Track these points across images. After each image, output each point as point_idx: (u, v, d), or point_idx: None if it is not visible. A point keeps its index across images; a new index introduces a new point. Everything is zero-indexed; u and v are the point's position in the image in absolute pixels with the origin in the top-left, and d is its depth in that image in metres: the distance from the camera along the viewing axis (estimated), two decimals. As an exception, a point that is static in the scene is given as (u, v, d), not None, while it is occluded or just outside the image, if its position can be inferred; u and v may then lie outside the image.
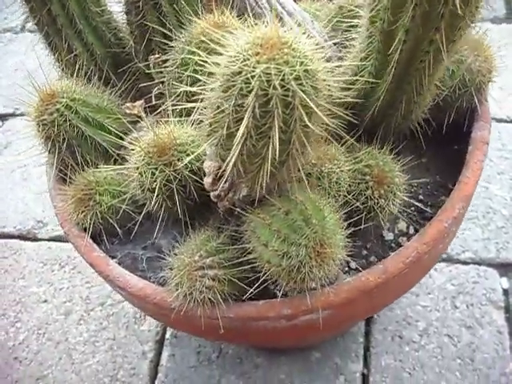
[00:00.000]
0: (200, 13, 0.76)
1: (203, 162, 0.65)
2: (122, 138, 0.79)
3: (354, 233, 0.64)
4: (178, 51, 0.73)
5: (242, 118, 0.50)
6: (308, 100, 0.49)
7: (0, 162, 1.49)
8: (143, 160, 0.65)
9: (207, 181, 0.60)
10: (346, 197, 0.66)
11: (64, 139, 0.73)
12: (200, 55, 0.69)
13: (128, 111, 0.78)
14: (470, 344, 1.02)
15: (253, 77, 0.48)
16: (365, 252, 0.74)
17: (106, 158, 0.78)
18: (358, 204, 0.67)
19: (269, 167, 0.53)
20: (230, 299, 0.63)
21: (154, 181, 0.64)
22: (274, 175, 0.56)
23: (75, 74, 0.80)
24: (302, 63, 0.49)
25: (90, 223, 0.71)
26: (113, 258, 0.71)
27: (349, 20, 0.78)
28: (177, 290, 0.62)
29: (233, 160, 0.52)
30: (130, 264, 0.71)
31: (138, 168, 0.65)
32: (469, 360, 1.00)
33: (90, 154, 0.76)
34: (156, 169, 0.64)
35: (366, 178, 0.67)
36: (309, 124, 0.51)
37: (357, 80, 0.63)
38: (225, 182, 0.59)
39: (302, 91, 0.48)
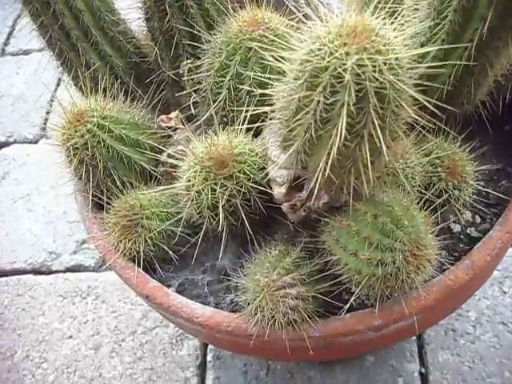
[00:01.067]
0: (229, 12, 0.70)
1: (266, 171, 0.60)
2: (157, 154, 0.73)
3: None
4: (214, 54, 0.67)
5: (332, 118, 0.45)
6: (405, 90, 0.44)
7: (0, 194, 1.40)
8: (199, 176, 0.58)
9: (280, 191, 0.55)
10: (421, 191, 0.61)
11: (98, 162, 0.67)
12: (246, 56, 0.63)
13: (163, 124, 0.72)
14: (528, 329, 0.98)
15: (345, 70, 0.42)
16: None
17: (144, 177, 0.71)
18: (431, 197, 0.62)
19: (361, 169, 0.48)
20: (314, 317, 0.57)
21: (215, 197, 0.58)
22: (361, 177, 0.50)
23: (96, 91, 0.74)
24: (392, 51, 0.43)
25: (139, 251, 0.64)
26: (170, 286, 0.65)
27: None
28: (255, 314, 0.57)
29: (324, 166, 0.46)
30: (191, 291, 0.65)
31: (193, 185, 0.59)
32: (529, 346, 0.96)
33: (128, 176, 0.69)
34: (216, 184, 0.58)
35: (438, 169, 0.62)
36: (401, 117, 0.46)
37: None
38: (303, 190, 0.54)
39: (398, 81, 0.43)
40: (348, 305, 0.56)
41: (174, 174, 0.71)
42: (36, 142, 1.50)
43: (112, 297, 1.17)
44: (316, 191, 0.54)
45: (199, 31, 0.71)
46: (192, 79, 0.72)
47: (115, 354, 1.09)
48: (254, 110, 0.62)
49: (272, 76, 0.64)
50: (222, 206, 0.58)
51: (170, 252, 0.65)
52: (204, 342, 1.07)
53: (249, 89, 0.65)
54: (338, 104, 0.43)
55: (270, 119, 0.67)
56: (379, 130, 0.44)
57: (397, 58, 0.44)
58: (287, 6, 0.70)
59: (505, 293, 1.04)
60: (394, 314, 0.57)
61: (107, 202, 0.69)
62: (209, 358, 1.05)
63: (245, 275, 0.60)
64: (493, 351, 0.97)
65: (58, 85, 1.59)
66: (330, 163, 0.46)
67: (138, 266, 0.65)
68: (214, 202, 0.58)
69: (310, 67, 0.44)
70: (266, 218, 0.62)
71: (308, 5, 0.72)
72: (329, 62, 0.43)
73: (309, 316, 0.57)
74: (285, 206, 0.55)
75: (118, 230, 0.65)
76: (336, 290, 0.58)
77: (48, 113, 1.56)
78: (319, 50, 0.44)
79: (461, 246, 0.69)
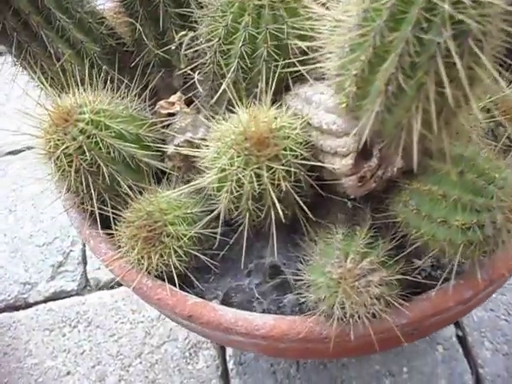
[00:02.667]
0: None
1: (311, 143, 0.50)
2: (161, 150, 0.62)
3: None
4: (215, 19, 0.57)
5: (422, 62, 0.36)
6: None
7: None
8: (237, 161, 0.48)
9: (345, 163, 0.46)
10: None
11: (99, 167, 0.55)
12: (257, 15, 0.53)
13: (164, 111, 0.61)
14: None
15: None
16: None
17: (152, 177, 0.60)
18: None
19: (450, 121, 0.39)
20: (399, 302, 0.49)
21: (261, 183, 0.48)
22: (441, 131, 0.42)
23: (69, 85, 0.61)
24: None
25: (169, 265, 0.54)
26: (214, 299, 0.55)
27: None
28: (333, 312, 0.48)
29: (414, 123, 0.37)
30: (240, 299, 0.55)
31: (230, 175, 0.49)
32: (561, 288, 0.93)
33: (135, 178, 0.58)
34: (261, 168, 0.48)
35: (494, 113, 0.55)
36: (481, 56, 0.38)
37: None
38: (372, 158, 0.45)
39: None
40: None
41: (186, 166, 0.60)
42: (-21, 163, 1.32)
43: (106, 319, 1.04)
44: (389, 156, 0.46)
45: (188, -2, 0.60)
46: (186, 55, 0.61)
47: (124, 382, 0.97)
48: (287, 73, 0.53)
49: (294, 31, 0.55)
50: (269, 192, 0.48)
51: (205, 259, 0.55)
52: (221, 349, 0.97)
53: (264, 53, 0.55)
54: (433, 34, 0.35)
55: (296, 83, 0.58)
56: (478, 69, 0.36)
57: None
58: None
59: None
60: (483, 281, 0.50)
61: (114, 213, 0.57)
62: (230, 365, 0.96)
63: (308, 269, 0.51)
64: (524, 299, 0.94)
65: (-8, 96, 1.41)
66: (421, 109, 0.38)
67: (170, 282, 0.54)
68: (261, 191, 0.48)
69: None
70: (317, 198, 0.52)
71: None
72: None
73: (394, 303, 0.49)
74: (351, 180, 0.46)
75: (139, 244, 0.54)
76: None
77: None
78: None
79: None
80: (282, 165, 0.48)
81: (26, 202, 1.22)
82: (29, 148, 1.31)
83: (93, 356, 1.00)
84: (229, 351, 0.97)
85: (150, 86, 0.66)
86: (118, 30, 0.66)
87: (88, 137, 0.54)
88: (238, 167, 0.48)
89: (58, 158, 0.54)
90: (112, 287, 1.07)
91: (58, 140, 0.54)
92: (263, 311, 0.53)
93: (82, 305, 1.07)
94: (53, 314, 1.06)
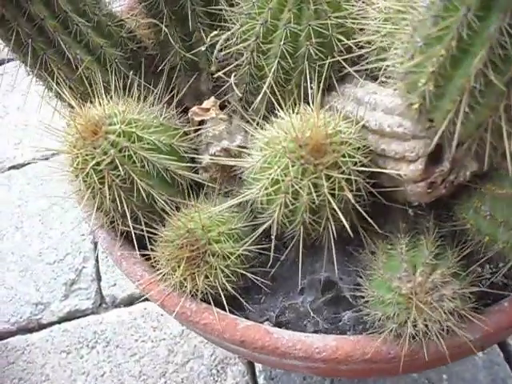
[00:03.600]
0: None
1: (368, 150, 0.46)
2: (194, 161, 0.57)
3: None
4: (250, 17, 0.52)
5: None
6: None
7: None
8: (292, 171, 0.44)
9: (415, 168, 0.41)
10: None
11: (133, 182, 0.50)
12: (298, 10, 0.49)
13: (197, 118, 0.56)
14: None
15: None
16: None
17: (187, 193, 0.55)
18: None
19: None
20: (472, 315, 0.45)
21: (319, 195, 0.44)
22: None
23: (88, 94, 0.57)
24: None
25: (217, 286, 0.49)
26: (265, 321, 0.50)
27: None
28: (403, 331, 0.43)
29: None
30: (295, 320, 0.50)
31: (285, 186, 0.44)
32: None
33: (170, 192, 0.53)
34: (319, 177, 0.43)
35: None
36: None
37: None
38: (442, 162, 0.41)
39: None
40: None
41: (224, 177, 0.56)
42: (-18, 179, 1.26)
43: (126, 338, 0.99)
44: (462, 159, 0.42)
45: (217, -5, 0.56)
46: (217, 58, 0.56)
47: (150, 404, 0.92)
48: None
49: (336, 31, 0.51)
50: (330, 204, 0.43)
51: (255, 277, 0.50)
52: (249, 364, 0.93)
53: (308, 50, 0.51)
54: None
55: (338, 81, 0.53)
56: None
57: None
58: None
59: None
60: None
61: (149, 232, 0.53)
62: (260, 380, 0.91)
63: (371, 284, 0.46)
64: None
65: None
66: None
67: (216, 305, 0.50)
68: (320, 202, 0.44)
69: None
70: (375, 206, 0.48)
71: None
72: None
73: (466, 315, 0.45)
74: (419, 187, 0.42)
75: (181, 266, 0.49)
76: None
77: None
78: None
79: None
80: (342, 173, 0.44)
81: (33, 217, 1.17)
82: (31, 162, 1.27)
83: (114, 378, 0.95)
84: (258, 366, 0.93)
85: (176, 91, 0.61)
86: (139, 32, 0.61)
87: (120, 150, 0.49)
88: (295, 177, 0.44)
89: (87, 175, 0.49)
90: (130, 304, 1.02)
91: (87, 155, 0.49)
92: (319, 331, 0.49)
93: (99, 324, 1.02)
94: (69, 335, 1.01)
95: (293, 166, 0.44)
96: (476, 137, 0.38)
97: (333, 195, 0.44)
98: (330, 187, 0.43)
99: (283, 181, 0.44)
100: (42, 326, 1.03)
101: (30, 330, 1.03)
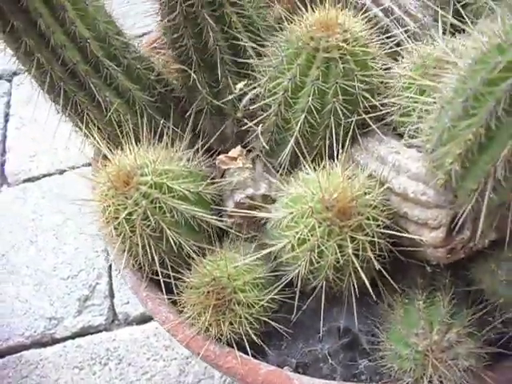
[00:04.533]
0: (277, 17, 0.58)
1: (391, 211, 0.48)
2: (218, 204, 0.59)
3: None
4: (278, 70, 0.54)
5: None
6: None
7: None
8: (318, 231, 0.46)
9: (436, 236, 0.43)
10: None
11: (162, 232, 0.52)
12: (326, 68, 0.51)
13: (224, 166, 0.58)
14: None
15: None
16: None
17: (212, 239, 0.57)
18: None
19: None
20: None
21: (343, 255, 0.46)
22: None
23: (117, 136, 0.59)
24: None
25: (241, 333, 0.51)
26: (285, 366, 0.52)
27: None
28: (422, 387, 0.45)
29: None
30: (314, 366, 0.52)
31: (310, 245, 0.46)
32: None
33: (197, 239, 0.55)
34: (343, 239, 0.45)
35: None
36: None
37: None
38: (463, 230, 0.43)
39: None
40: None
41: (247, 223, 0.58)
42: (-4, 192, 1.28)
43: (138, 356, 1.01)
44: (482, 229, 0.43)
45: (245, 44, 0.57)
46: (245, 106, 0.58)
47: (161, 423, 0.94)
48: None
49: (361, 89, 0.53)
50: (353, 263, 0.45)
51: (277, 326, 0.52)
52: None
53: (334, 107, 0.52)
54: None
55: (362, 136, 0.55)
56: None
57: None
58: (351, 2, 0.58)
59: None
60: None
61: (175, 278, 0.55)
62: (269, 403, 0.93)
63: (388, 338, 0.48)
64: None
65: (6, 121, 1.38)
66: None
67: (239, 348, 0.52)
68: (344, 261, 0.46)
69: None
70: (395, 262, 0.50)
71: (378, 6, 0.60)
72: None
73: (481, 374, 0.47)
74: (439, 252, 0.44)
75: (208, 312, 0.51)
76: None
77: (2, 154, 1.34)
78: None
79: None
80: (366, 235, 0.46)
81: (47, 232, 1.19)
82: (46, 175, 1.29)
83: (126, 395, 0.97)
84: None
85: (202, 134, 0.63)
86: (166, 75, 0.63)
87: (151, 201, 0.51)
88: (321, 238, 0.46)
89: (119, 224, 0.51)
90: (143, 322, 1.04)
91: (119, 205, 0.51)
92: (335, 377, 0.51)
93: (112, 341, 1.04)
94: (82, 351, 1.03)
95: (319, 227, 0.46)
96: (497, 213, 0.40)
97: (356, 255, 0.46)
98: (354, 248, 0.45)
99: (309, 240, 0.46)
100: (55, 341, 1.05)
101: (44, 345, 1.05)
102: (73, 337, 1.06)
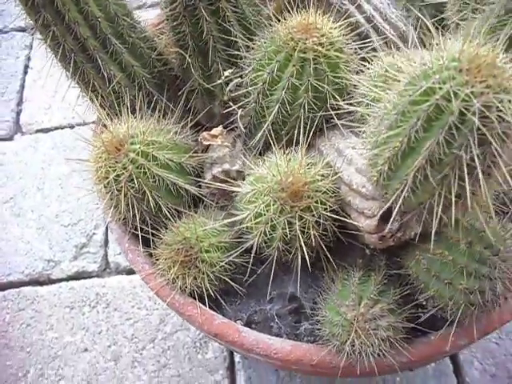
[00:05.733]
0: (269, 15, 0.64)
1: (339, 197, 0.56)
2: (198, 175, 0.67)
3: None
4: (261, 64, 0.61)
5: (448, 157, 0.41)
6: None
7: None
8: (273, 208, 0.54)
9: (370, 224, 0.51)
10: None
11: (145, 193, 0.60)
12: (301, 67, 0.58)
13: (205, 142, 0.66)
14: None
15: (472, 113, 0.39)
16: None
17: (190, 203, 0.66)
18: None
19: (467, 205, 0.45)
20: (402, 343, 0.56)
21: (292, 231, 0.54)
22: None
23: (119, 108, 0.66)
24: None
25: (202, 288, 0.60)
26: (238, 320, 0.61)
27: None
28: (345, 348, 0.54)
29: (432, 204, 0.43)
30: (262, 322, 0.61)
31: (265, 219, 0.55)
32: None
33: (175, 203, 0.64)
34: (293, 217, 0.54)
35: None
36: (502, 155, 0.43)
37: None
38: (393, 222, 0.51)
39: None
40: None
41: (221, 193, 0.66)
42: (11, 139, 1.37)
43: (124, 303, 1.12)
44: (409, 222, 0.51)
45: (236, 36, 0.65)
46: (231, 91, 0.66)
47: (137, 364, 1.05)
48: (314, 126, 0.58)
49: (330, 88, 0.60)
50: (300, 239, 0.54)
51: (235, 285, 0.61)
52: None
53: (304, 102, 0.60)
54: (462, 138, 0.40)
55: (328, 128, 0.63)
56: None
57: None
58: (335, 7, 0.64)
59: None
60: (478, 332, 0.56)
61: (153, 234, 0.64)
62: (237, 358, 1.03)
63: (324, 306, 0.57)
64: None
65: (25, 72, 1.46)
66: (443, 196, 0.43)
67: (200, 301, 0.61)
68: (291, 236, 0.54)
69: (429, 103, 0.40)
70: (338, 243, 0.58)
71: (352, 2, 0.66)
72: (449, 93, 0.39)
73: (398, 343, 0.55)
74: (373, 237, 0.52)
75: (176, 266, 0.60)
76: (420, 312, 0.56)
77: (19, 104, 1.43)
78: (440, 88, 0.40)
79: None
80: (313, 215, 0.54)
81: (54, 181, 1.28)
82: (58, 128, 1.37)
83: (109, 336, 1.08)
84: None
85: (192, 110, 0.71)
86: (167, 56, 0.71)
87: (137, 167, 0.59)
88: (274, 214, 0.54)
89: (108, 183, 0.60)
90: (131, 273, 1.14)
91: (110, 167, 0.59)
92: (280, 334, 0.60)
93: (102, 287, 1.14)
94: (74, 293, 1.14)
95: (273, 205, 0.54)
96: (418, 210, 0.48)
97: (302, 232, 0.54)
98: (300, 225, 0.53)
99: (265, 215, 0.55)
100: (51, 281, 1.16)
101: (41, 283, 1.16)
102: (67, 279, 1.16)
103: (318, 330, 0.58)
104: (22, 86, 1.46)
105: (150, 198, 0.60)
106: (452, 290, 0.51)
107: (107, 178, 0.59)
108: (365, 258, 0.59)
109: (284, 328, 0.61)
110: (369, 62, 0.64)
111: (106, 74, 0.67)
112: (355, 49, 0.64)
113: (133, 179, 0.59)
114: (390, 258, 0.58)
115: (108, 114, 0.65)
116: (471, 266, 0.50)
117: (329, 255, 0.58)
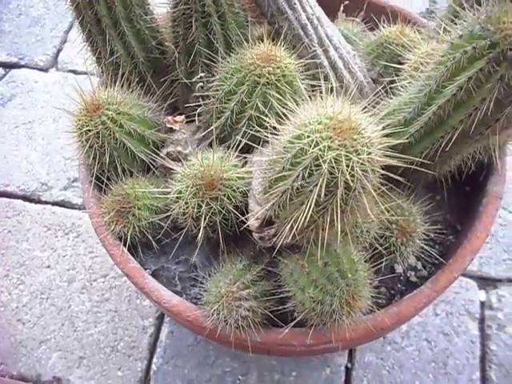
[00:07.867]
0: (249, 38, 0.77)
1: (247, 198, 0.69)
2: (157, 148, 0.82)
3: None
4: (225, 76, 0.75)
5: (304, 192, 0.54)
6: (368, 186, 0.53)
7: (4, 115, 1.46)
8: (189, 190, 0.68)
9: (254, 224, 0.65)
10: (372, 242, 0.72)
11: (106, 150, 0.75)
12: (252, 88, 0.71)
13: (168, 125, 0.80)
14: (444, 350, 1.12)
15: (324, 161, 0.51)
16: (375, 282, 0.81)
17: (143, 168, 0.80)
18: (380, 247, 0.73)
19: (325, 232, 0.58)
20: (259, 327, 0.69)
21: (199, 212, 0.68)
22: (320, 233, 0.60)
23: (115, 77, 0.81)
24: (368, 152, 0.52)
25: (127, 236, 0.75)
26: (147, 269, 0.76)
27: (389, 61, 0.82)
28: (213, 314, 0.68)
29: (292, 224, 0.56)
30: (164, 277, 0.76)
31: (182, 197, 0.69)
32: (442, 364, 1.11)
33: (129, 165, 0.78)
34: (202, 201, 0.68)
35: (392, 226, 0.73)
36: (363, 200, 0.55)
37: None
38: (273, 228, 0.64)
39: (365, 178, 0.53)
40: (286, 323, 0.67)
41: (167, 168, 0.80)
42: (46, 70, 1.55)
43: (92, 238, 1.28)
44: (283, 234, 0.64)
45: (218, 47, 0.78)
46: (202, 87, 0.80)
47: (85, 291, 1.21)
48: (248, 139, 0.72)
49: (272, 112, 0.73)
50: (204, 219, 0.68)
51: (153, 241, 0.76)
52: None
53: (249, 116, 0.73)
54: (310, 184, 0.53)
55: (262, 147, 0.76)
56: (339, 208, 0.54)
57: (370, 159, 0.53)
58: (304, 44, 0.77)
59: (437, 314, 1.18)
60: (323, 339, 0.69)
61: (106, 184, 0.78)
62: (168, 312, 1.18)
63: (211, 278, 0.71)
64: (411, 362, 1.12)
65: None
66: (294, 223, 0.56)
67: (124, 245, 0.76)
68: (198, 215, 0.68)
69: (296, 147, 0.53)
70: (238, 233, 0.72)
71: (320, 46, 0.79)
72: (313, 151, 0.52)
73: (255, 325, 0.69)
74: (255, 235, 0.66)
75: (112, 213, 0.75)
76: (283, 309, 0.70)
77: (63, 42, 1.60)
78: (308, 137, 0.53)
79: (399, 286, 0.81)
80: (220, 206, 0.68)
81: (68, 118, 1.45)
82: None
83: (71, 262, 1.24)
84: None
85: (172, 96, 0.85)
86: (165, 47, 0.85)
87: (106, 128, 0.74)
88: (189, 194, 0.68)
89: (81, 134, 0.75)
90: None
91: (85, 122, 0.74)
92: (176, 290, 0.74)
93: (79, 219, 1.30)
94: (55, 217, 1.30)
95: (191, 188, 0.68)
96: (286, 224, 0.61)
97: (207, 215, 0.68)
98: (206, 210, 0.67)
99: (183, 194, 0.69)
100: (39, 202, 1.33)
101: (30, 201, 1.33)
102: (53, 204, 1.33)
103: (201, 295, 0.72)
104: (70, 27, 1.63)
105: (110, 155, 0.75)
106: (303, 295, 0.64)
107: (81, 129, 0.74)
108: (254, 252, 0.72)
109: (180, 287, 0.75)
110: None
111: (111, 48, 0.82)
112: (311, 85, 0.77)
113: (99, 136, 0.74)
114: (272, 257, 0.71)
115: (107, 78, 0.80)
116: (320, 280, 0.63)
117: (230, 241, 0.72)
